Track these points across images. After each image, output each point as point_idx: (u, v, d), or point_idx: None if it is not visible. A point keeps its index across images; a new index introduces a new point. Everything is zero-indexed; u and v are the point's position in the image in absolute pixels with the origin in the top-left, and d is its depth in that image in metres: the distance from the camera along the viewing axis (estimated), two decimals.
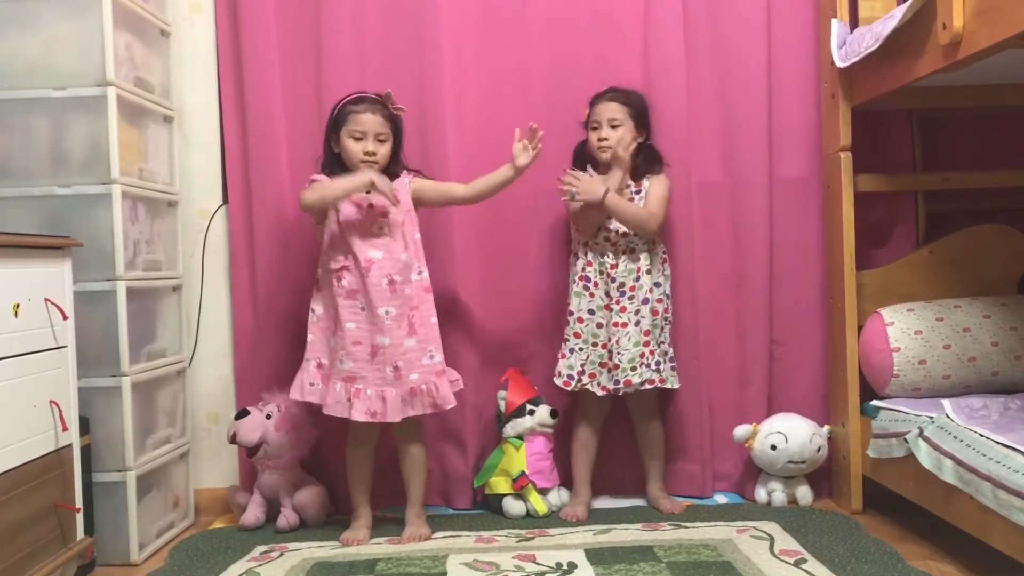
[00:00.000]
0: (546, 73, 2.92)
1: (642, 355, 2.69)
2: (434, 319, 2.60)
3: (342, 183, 2.52)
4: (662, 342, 2.75)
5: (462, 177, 2.84)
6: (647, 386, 2.70)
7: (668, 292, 2.79)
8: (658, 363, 2.71)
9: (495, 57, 2.92)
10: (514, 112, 2.90)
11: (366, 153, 2.57)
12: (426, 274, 2.62)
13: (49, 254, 2.18)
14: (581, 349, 2.74)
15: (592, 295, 2.74)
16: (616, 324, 2.70)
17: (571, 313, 2.76)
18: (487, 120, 2.91)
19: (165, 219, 2.85)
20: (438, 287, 2.84)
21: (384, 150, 2.60)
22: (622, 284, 2.71)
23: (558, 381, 2.77)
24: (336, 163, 2.63)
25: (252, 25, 2.88)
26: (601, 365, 2.73)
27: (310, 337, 2.62)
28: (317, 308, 2.62)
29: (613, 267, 2.71)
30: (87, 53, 2.49)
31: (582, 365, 2.74)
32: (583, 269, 2.75)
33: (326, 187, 2.54)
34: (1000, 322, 2.67)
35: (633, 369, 2.69)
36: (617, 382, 2.70)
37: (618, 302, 2.71)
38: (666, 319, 2.78)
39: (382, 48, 2.91)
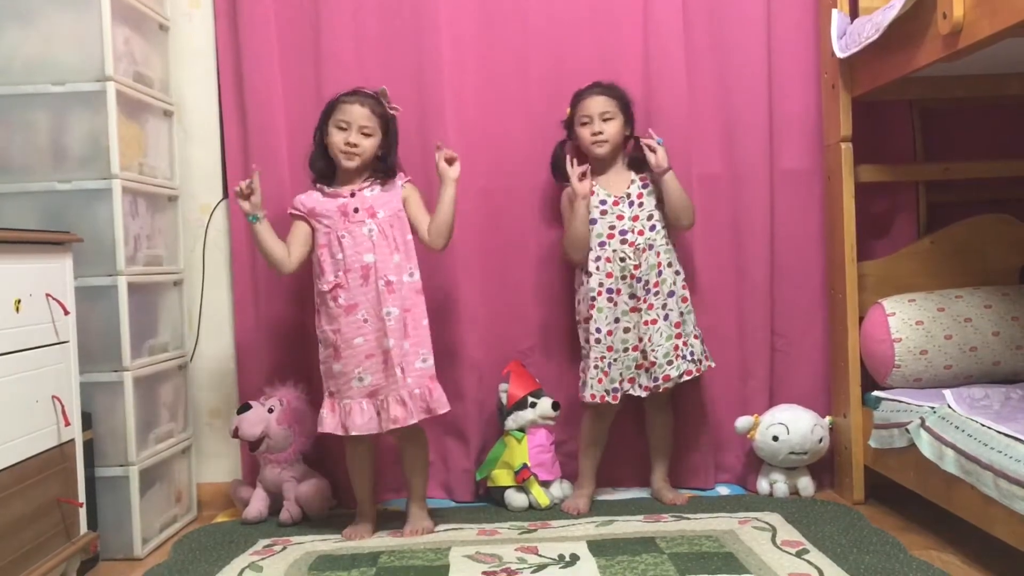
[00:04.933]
0: (545, 67, 2.91)
1: (676, 347, 2.69)
2: (426, 321, 2.58)
3: (260, 241, 2.58)
4: (692, 329, 2.74)
5: (465, 174, 2.84)
6: (685, 377, 2.70)
7: (684, 282, 2.77)
8: (692, 352, 2.71)
9: (495, 52, 2.91)
10: (514, 107, 2.91)
11: (347, 143, 2.55)
12: (417, 275, 2.59)
13: (50, 249, 2.18)
14: (616, 360, 2.71)
15: (615, 304, 2.70)
16: (647, 322, 2.68)
17: (598, 331, 2.69)
18: (486, 116, 2.91)
19: (166, 214, 2.85)
20: (439, 281, 2.85)
21: (368, 144, 2.57)
22: (647, 282, 2.69)
23: (608, 398, 2.69)
24: (321, 156, 2.62)
25: (251, 19, 2.88)
26: (638, 367, 2.71)
27: (321, 367, 2.60)
28: (320, 335, 2.58)
29: (636, 267, 2.69)
30: (86, 48, 2.49)
31: (621, 375, 2.71)
32: (600, 284, 2.70)
33: (262, 251, 2.60)
34: (1001, 312, 2.67)
35: (670, 363, 2.68)
36: (655, 379, 2.69)
37: (645, 300, 2.69)
38: (690, 310, 2.76)
39: (381, 42, 2.91)
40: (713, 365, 2.80)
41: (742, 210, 2.93)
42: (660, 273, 2.70)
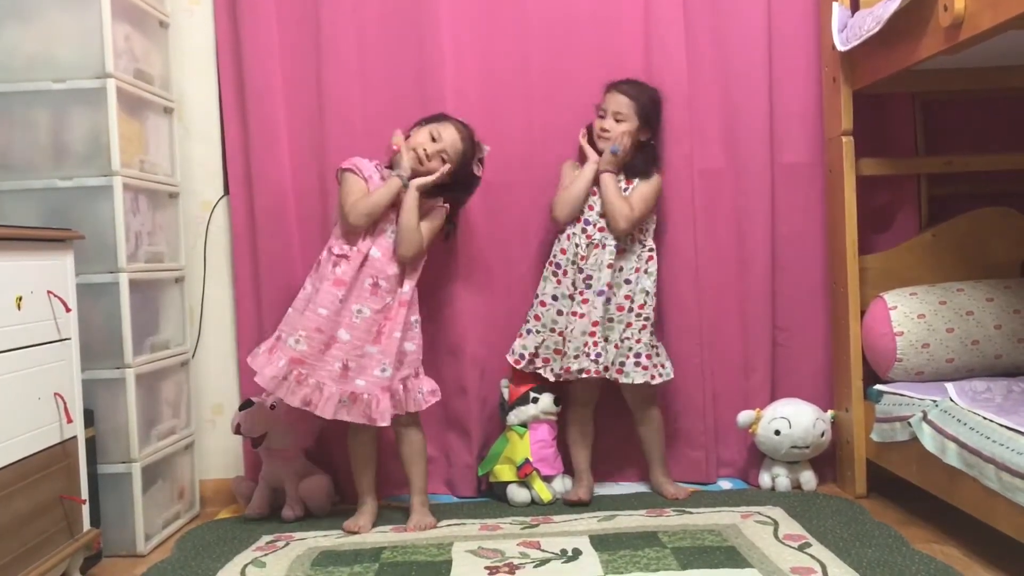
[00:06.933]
0: (547, 62, 2.91)
1: (585, 344, 2.69)
2: (398, 334, 2.55)
3: (383, 193, 2.56)
4: (627, 338, 2.72)
5: None
6: (584, 375, 2.70)
7: (648, 289, 2.75)
8: (599, 355, 2.68)
9: (496, 48, 2.91)
10: (515, 103, 2.92)
11: (424, 149, 2.59)
12: (408, 290, 2.59)
13: (51, 247, 2.18)
14: (538, 332, 2.77)
15: (559, 282, 2.75)
16: (574, 313, 2.72)
17: (536, 296, 2.79)
18: (488, 112, 2.90)
19: (167, 211, 2.85)
20: (442, 277, 2.85)
21: (433, 166, 2.60)
22: (588, 276, 2.72)
23: (510, 358, 2.78)
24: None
25: (251, 15, 2.87)
26: (556, 352, 2.75)
27: (289, 309, 2.62)
28: (306, 286, 2.61)
29: (583, 259, 2.73)
30: (86, 45, 2.48)
31: (536, 348, 2.76)
32: (556, 256, 2.77)
33: (373, 200, 2.55)
34: (1003, 305, 2.67)
35: (575, 357, 2.70)
36: (561, 368, 2.73)
37: (581, 293, 2.72)
38: (639, 315, 2.73)
39: (383, 38, 2.90)
40: (639, 382, 2.73)
41: (743, 204, 2.93)
42: (600, 270, 2.71)
